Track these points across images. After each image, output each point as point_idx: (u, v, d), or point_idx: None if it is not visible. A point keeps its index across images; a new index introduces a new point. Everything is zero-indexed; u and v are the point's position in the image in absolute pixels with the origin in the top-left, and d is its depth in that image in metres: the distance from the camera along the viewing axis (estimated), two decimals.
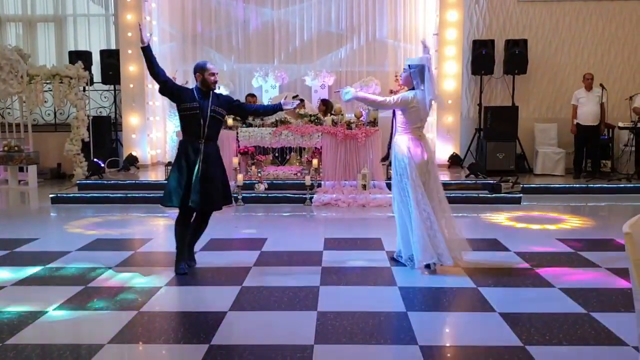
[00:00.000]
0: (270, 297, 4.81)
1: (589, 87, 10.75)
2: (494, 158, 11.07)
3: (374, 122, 9.82)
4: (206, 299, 4.86)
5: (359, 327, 4.14)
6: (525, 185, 9.93)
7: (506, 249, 6.35)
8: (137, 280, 5.30)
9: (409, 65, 5.54)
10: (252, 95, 11.31)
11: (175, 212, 5.54)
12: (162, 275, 5.42)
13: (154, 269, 5.71)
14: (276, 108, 5.92)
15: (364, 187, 9.21)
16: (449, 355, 3.74)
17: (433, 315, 4.46)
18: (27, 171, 11.08)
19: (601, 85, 10.66)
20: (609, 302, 4.66)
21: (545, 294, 4.89)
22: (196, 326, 4.22)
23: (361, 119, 9.75)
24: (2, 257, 6.09)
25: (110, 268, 5.64)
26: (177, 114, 5.61)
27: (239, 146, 9.67)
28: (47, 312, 4.46)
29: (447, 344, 3.95)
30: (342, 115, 9.88)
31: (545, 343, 3.86)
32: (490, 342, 3.92)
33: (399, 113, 5.60)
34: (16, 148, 11.11)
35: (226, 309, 4.50)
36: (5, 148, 11.08)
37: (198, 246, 6.48)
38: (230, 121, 9.76)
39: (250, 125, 9.84)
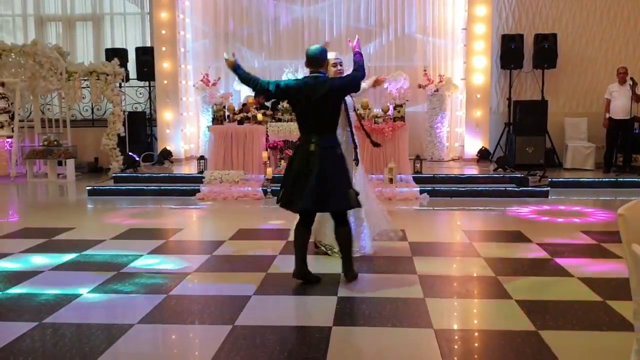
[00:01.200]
0: (293, 282, 4.98)
1: (622, 81, 10.66)
2: (523, 152, 11.04)
3: (402, 117, 9.94)
4: (232, 284, 5.05)
5: (377, 311, 4.29)
6: (553, 180, 9.93)
7: (529, 241, 6.41)
8: (167, 266, 5.54)
9: (339, 59, 5.55)
10: None
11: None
12: (192, 262, 5.64)
13: (185, 256, 5.95)
14: None
15: (391, 180, 9.32)
16: (461, 338, 3.86)
17: (450, 301, 4.59)
18: (65, 165, 11.47)
19: (632, 79, 10.56)
20: (626, 291, 4.67)
21: (563, 282, 4.97)
22: (221, 309, 4.42)
23: (388, 113, 9.86)
24: (40, 245, 6.39)
25: (142, 255, 5.88)
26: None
27: (268, 141, 9.88)
28: (81, 294, 4.71)
29: (461, 328, 4.07)
30: (369, 109, 10.00)
31: (558, 328, 3.95)
32: (503, 326, 4.04)
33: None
34: (55, 142, 11.51)
35: (251, 293, 4.69)
36: (45, 142, 11.49)
37: (226, 235, 6.74)
38: (259, 116, 9.99)
39: (280, 120, 10.04)
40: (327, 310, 4.28)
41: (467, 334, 3.95)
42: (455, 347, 3.69)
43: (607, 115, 10.83)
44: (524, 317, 4.13)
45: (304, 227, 4.95)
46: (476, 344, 3.82)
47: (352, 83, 4.99)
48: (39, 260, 5.78)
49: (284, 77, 12.21)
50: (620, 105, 10.63)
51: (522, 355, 3.52)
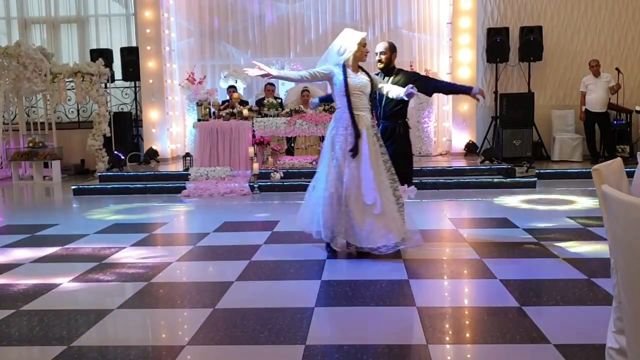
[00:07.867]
0: (277, 269, 4.95)
1: (596, 74, 10.65)
2: (511, 145, 11.02)
3: None
4: (214, 272, 5.01)
5: (360, 292, 4.24)
6: (540, 171, 9.91)
7: (515, 226, 6.39)
8: (150, 257, 5.46)
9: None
10: (272, 85, 11.33)
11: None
12: (175, 252, 5.57)
13: (168, 247, 5.89)
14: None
15: None
16: (444, 314, 3.82)
17: (434, 282, 4.55)
18: (51, 167, 11.36)
19: (617, 69, 10.58)
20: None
21: (548, 263, 4.94)
22: (202, 294, 4.36)
23: None
24: (23, 240, 6.31)
25: (124, 247, 5.81)
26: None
27: (254, 136, 9.83)
28: (61, 283, 4.64)
29: (444, 305, 4.03)
30: None
31: (542, 304, 3.93)
32: (486, 303, 4.01)
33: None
34: (40, 144, 11.41)
35: (233, 279, 4.63)
36: (30, 144, 11.39)
37: (211, 227, 6.69)
38: (245, 112, 9.94)
39: (266, 115, 9.99)
40: (310, 293, 4.23)
41: (449, 310, 3.91)
42: (438, 322, 3.65)
43: (584, 108, 10.82)
44: (508, 295, 4.09)
45: None
46: (458, 320, 3.77)
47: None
48: (20, 253, 5.69)
49: None
50: (596, 98, 10.61)
51: (505, 329, 3.48)
